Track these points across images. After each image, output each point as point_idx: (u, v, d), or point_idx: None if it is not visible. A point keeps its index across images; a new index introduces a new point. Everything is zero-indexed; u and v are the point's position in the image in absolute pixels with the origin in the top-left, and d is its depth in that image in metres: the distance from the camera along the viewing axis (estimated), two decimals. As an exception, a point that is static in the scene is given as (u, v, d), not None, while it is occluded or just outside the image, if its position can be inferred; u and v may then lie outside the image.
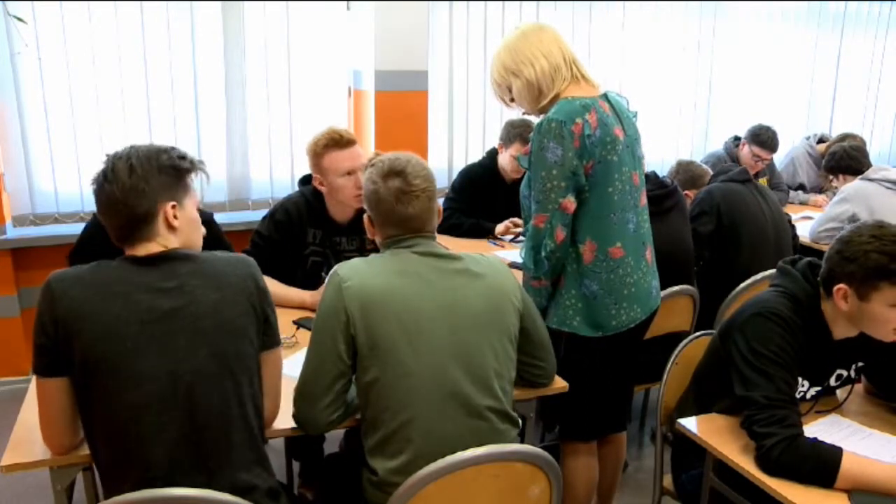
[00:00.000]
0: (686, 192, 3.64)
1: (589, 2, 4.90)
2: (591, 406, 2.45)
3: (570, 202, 2.21)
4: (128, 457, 1.57)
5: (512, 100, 2.39)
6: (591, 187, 2.24)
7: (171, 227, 1.68)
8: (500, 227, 3.82)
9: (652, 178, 3.11)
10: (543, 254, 2.24)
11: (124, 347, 1.55)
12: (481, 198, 3.91)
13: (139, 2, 3.81)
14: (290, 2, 4.16)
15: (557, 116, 2.17)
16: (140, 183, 1.62)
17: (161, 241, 1.67)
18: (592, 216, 2.26)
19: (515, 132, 3.78)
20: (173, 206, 1.68)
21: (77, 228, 3.79)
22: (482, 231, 3.84)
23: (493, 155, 3.99)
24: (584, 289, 2.30)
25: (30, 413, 1.92)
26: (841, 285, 1.90)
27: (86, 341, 1.54)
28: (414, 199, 1.88)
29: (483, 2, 4.62)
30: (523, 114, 2.46)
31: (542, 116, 2.25)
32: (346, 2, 4.32)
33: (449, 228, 3.86)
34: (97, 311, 1.55)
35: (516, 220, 3.79)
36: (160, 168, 1.66)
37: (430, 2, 4.34)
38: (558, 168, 2.17)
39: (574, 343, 2.34)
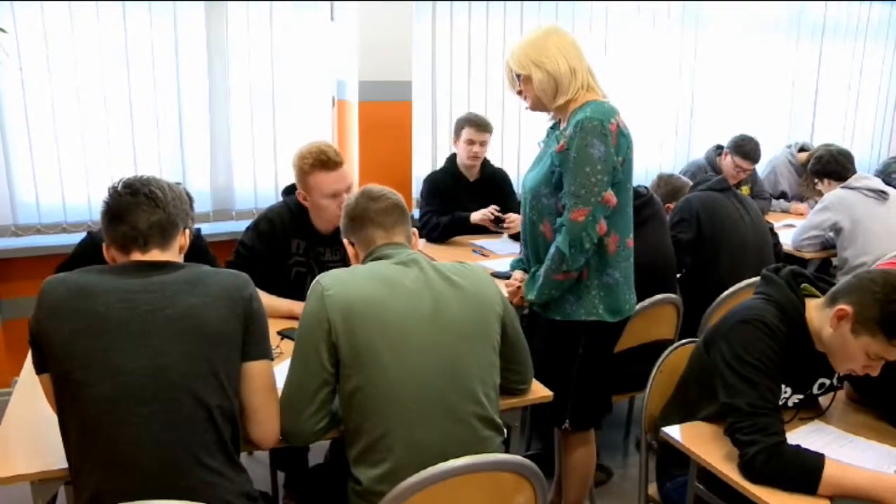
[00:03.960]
0: (667, 204, 3.66)
1: (571, 12, 4.92)
2: (605, 389, 2.65)
3: (611, 195, 2.34)
4: (97, 451, 1.58)
5: (520, 92, 2.49)
6: (619, 183, 2.38)
7: (181, 247, 1.80)
8: (476, 216, 3.87)
9: None
10: (588, 246, 2.33)
11: (99, 343, 1.58)
12: (448, 200, 4.05)
13: (122, 2, 3.78)
14: (273, 12, 4.15)
15: (597, 116, 2.30)
16: (176, 198, 1.78)
17: (168, 255, 1.75)
18: (617, 210, 2.39)
19: (463, 119, 4.07)
20: (188, 231, 1.83)
21: (59, 240, 3.80)
22: (460, 222, 3.93)
23: (452, 160, 4.16)
24: (606, 277, 2.44)
25: (11, 426, 1.91)
26: (848, 309, 1.87)
27: (63, 337, 1.59)
28: (383, 198, 2.02)
29: (467, 13, 4.65)
30: (527, 108, 2.54)
31: (573, 116, 2.36)
32: (329, 12, 4.32)
33: (429, 231, 3.94)
34: (76, 308, 1.60)
35: (494, 207, 3.87)
36: (185, 199, 1.84)
37: (414, 13, 4.35)
38: (602, 163, 2.29)
39: (596, 331, 2.48)
